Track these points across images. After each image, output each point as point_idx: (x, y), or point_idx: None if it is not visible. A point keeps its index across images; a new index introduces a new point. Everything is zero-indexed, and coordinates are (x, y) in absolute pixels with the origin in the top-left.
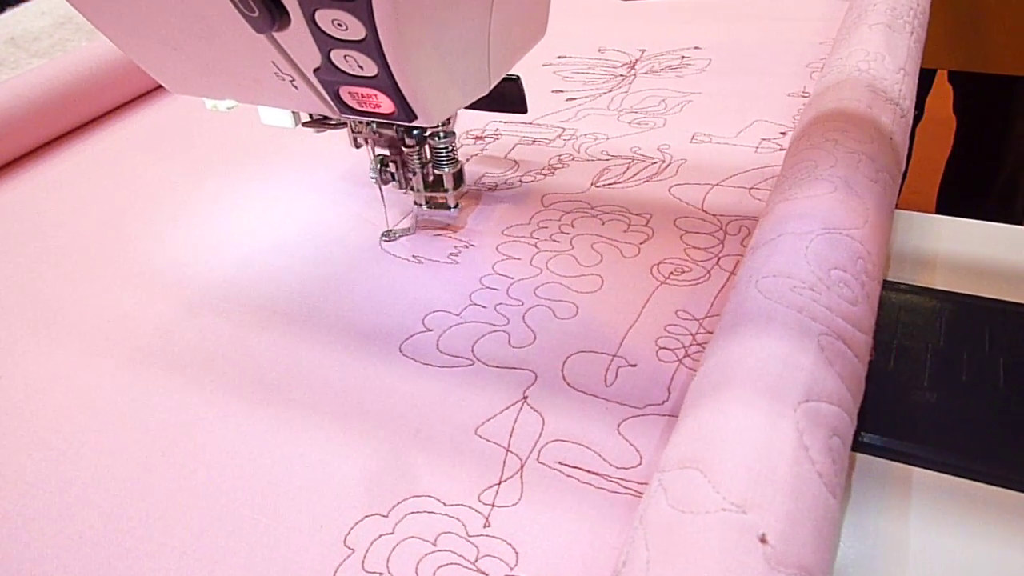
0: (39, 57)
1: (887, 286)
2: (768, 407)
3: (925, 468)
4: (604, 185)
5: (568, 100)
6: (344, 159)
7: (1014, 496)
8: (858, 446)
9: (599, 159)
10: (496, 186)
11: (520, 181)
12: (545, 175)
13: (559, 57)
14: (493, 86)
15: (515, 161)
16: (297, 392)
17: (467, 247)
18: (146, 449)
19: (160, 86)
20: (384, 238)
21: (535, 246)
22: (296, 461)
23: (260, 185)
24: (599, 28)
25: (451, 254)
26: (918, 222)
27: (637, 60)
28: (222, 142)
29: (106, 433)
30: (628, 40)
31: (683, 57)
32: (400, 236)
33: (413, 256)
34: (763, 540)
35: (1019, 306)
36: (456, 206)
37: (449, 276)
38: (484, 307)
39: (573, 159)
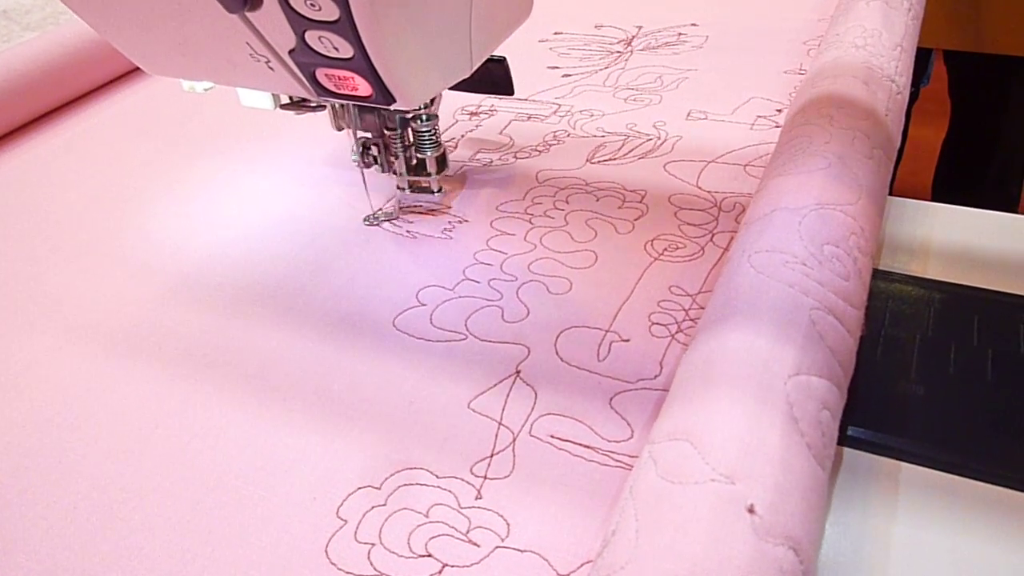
0: (31, 30)
1: (878, 275)
2: (759, 380)
3: (912, 463)
4: (599, 162)
5: (564, 76)
6: (327, 142)
7: (1001, 492)
8: (844, 440)
9: (594, 136)
10: (491, 162)
11: (515, 157)
12: (540, 151)
13: (555, 33)
14: (475, 68)
15: (510, 137)
16: (290, 366)
17: (461, 222)
18: (140, 422)
19: None
20: (366, 222)
21: (529, 222)
22: (289, 434)
23: (243, 168)
24: (596, 4)
25: (445, 229)
26: (911, 209)
27: (634, 37)
28: (207, 124)
29: (99, 406)
30: (625, 17)
31: (680, 34)
32: (383, 220)
33: (407, 232)
34: (751, 510)
35: (1008, 296)
36: (439, 190)
37: (443, 251)
38: (478, 282)
39: (568, 136)
